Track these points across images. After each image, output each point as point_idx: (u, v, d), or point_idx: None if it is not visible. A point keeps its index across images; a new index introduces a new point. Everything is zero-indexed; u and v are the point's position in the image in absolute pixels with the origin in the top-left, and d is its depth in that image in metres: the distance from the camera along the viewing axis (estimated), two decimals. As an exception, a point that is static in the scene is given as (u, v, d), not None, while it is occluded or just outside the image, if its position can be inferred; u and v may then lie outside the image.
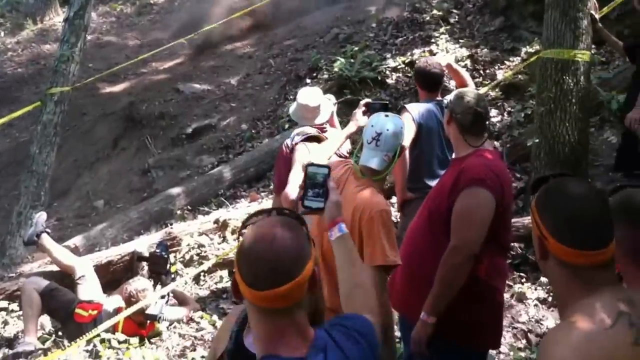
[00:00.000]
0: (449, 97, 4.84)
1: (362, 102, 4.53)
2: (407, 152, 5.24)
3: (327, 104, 5.50)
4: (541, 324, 5.48)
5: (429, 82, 5.59)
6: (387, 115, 3.79)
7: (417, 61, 7.99)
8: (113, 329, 5.93)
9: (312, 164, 2.72)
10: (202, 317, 6.35)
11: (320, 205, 2.66)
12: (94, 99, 13.62)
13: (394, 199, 6.49)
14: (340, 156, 4.90)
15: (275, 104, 11.45)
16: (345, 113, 7.84)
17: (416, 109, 5.43)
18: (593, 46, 7.37)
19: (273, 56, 13.41)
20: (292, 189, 4.56)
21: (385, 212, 3.52)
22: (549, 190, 2.23)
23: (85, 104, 13.25)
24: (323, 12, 14.59)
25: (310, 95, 5.42)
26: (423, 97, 5.66)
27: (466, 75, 5.92)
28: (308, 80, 11.19)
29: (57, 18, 17.65)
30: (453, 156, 4.25)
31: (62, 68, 9.27)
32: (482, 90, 8.38)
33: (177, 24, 16.11)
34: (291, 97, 10.98)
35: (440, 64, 5.59)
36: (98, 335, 5.69)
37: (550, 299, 5.66)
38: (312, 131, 5.31)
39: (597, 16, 6.75)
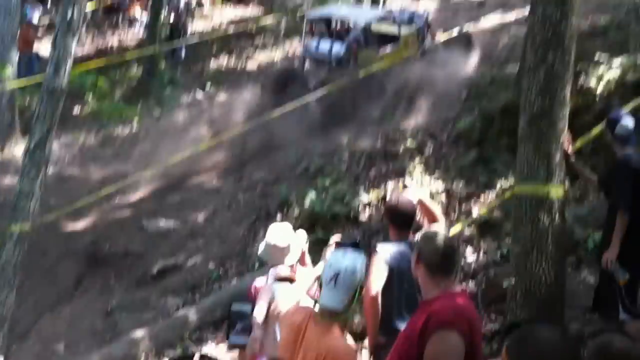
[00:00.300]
0: (416, 237, 5.05)
1: (332, 240, 4.68)
2: (379, 296, 5.31)
3: (298, 242, 5.69)
4: None
5: (400, 221, 5.69)
6: (345, 253, 3.98)
7: (388, 197, 8.20)
8: None
9: (235, 303, 2.90)
10: None
11: (244, 341, 2.83)
12: (56, 236, 13.62)
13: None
14: (312, 297, 5.06)
15: (244, 241, 11.61)
16: (316, 251, 8.02)
17: (388, 251, 5.53)
18: (567, 181, 7.72)
19: (242, 191, 13.69)
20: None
21: (349, 357, 3.65)
22: (520, 338, 2.35)
23: (46, 241, 13.22)
24: (294, 143, 15.00)
25: (279, 234, 5.60)
26: (394, 236, 5.73)
27: (438, 212, 6.06)
28: (278, 217, 11.43)
29: (17, 149, 17.86)
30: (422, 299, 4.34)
31: (21, 204, 9.34)
32: (457, 227, 8.64)
33: (142, 156, 16.44)
34: (261, 234, 11.18)
35: (412, 202, 5.71)
36: None
37: None
38: (285, 272, 5.48)
39: (570, 150, 7.08)
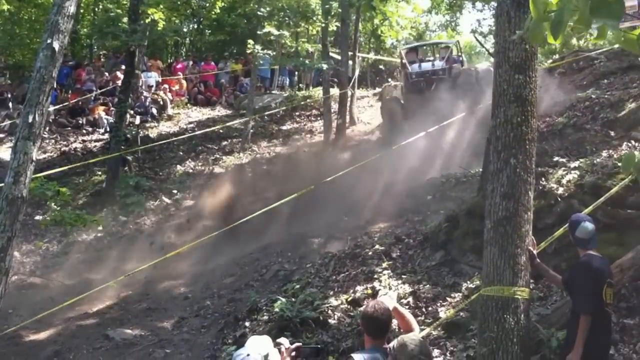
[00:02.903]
0: (391, 344, 5.30)
1: (293, 346, 4.88)
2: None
3: (276, 355, 5.90)
4: None
5: (376, 329, 5.80)
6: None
7: (363, 305, 8.35)
8: None
9: None
10: None
11: None
12: (17, 348, 13.41)
13: None
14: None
15: (212, 349, 11.62)
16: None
17: (363, 359, 5.64)
18: (531, 281, 8.04)
19: (210, 296, 13.84)
20: None
21: None
22: None
23: (6, 354, 13.06)
24: (264, 248, 15.28)
25: (258, 346, 5.81)
26: (369, 344, 5.84)
27: (411, 319, 6.21)
28: (247, 323, 11.57)
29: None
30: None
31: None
32: (425, 331, 8.89)
33: (107, 263, 16.58)
34: (229, 341, 11.32)
35: (387, 309, 5.83)
36: None
37: None
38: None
39: (535, 252, 7.45)
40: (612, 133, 12.87)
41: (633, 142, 12.10)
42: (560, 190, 10.61)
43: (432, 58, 25.11)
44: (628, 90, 15.14)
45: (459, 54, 25.47)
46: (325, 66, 24.09)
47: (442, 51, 25.00)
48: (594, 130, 13.19)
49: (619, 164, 10.54)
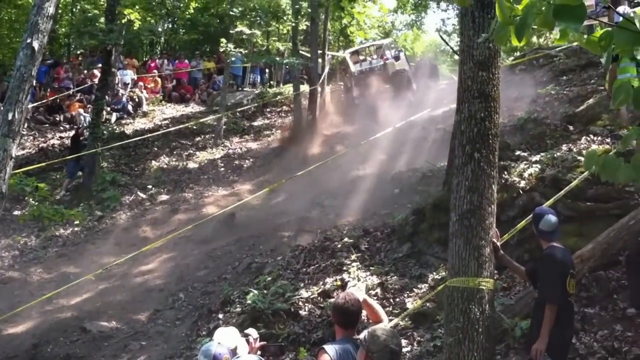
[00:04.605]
0: (362, 335, 5.20)
1: (258, 344, 4.77)
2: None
3: (244, 345, 5.78)
4: None
5: (347, 320, 5.71)
6: None
7: (334, 297, 8.30)
8: None
9: None
10: None
11: None
12: None
13: None
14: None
15: (187, 340, 11.54)
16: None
17: (334, 350, 5.54)
18: (495, 272, 7.99)
19: (184, 289, 13.69)
20: None
21: None
22: None
23: None
24: (238, 241, 15.15)
25: (226, 338, 5.69)
26: (340, 335, 5.76)
27: (380, 310, 6.11)
28: (220, 315, 11.47)
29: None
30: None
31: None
32: (393, 321, 8.80)
33: (84, 257, 16.38)
34: (203, 333, 11.21)
35: (358, 301, 5.74)
36: None
37: None
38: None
39: (498, 243, 7.37)
40: (571, 127, 12.89)
41: (592, 136, 12.11)
42: (522, 184, 10.59)
43: (370, 57, 28.83)
44: (586, 87, 15.21)
45: (397, 51, 29.68)
46: (296, 61, 24.03)
47: (378, 51, 28.98)
48: (554, 125, 13.19)
49: (579, 158, 10.55)
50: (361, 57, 28.82)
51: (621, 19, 3.37)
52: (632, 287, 8.32)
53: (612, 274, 8.85)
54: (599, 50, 3.36)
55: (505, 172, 10.88)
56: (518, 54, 21.69)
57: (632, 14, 3.27)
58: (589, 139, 12.02)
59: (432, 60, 37.82)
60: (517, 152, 11.83)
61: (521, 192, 10.48)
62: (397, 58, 28.36)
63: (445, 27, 44.67)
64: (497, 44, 4.15)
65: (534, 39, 25.37)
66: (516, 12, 3.29)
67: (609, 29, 3.29)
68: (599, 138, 11.96)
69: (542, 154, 11.47)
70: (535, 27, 3.30)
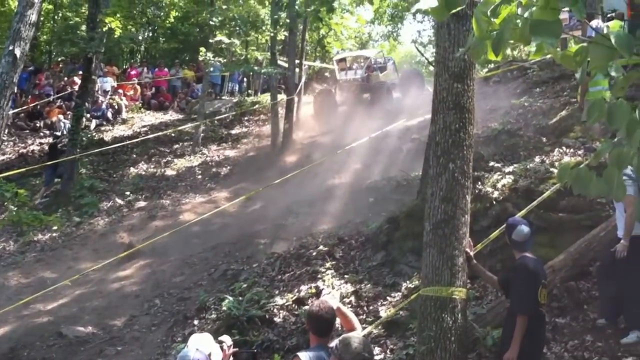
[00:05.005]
0: (334, 343, 5.14)
1: (230, 351, 4.70)
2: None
3: (218, 352, 5.70)
4: None
5: (321, 328, 5.68)
6: None
7: (308, 304, 8.24)
8: None
9: None
10: None
11: None
12: None
13: None
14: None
15: (162, 346, 11.42)
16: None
17: (308, 358, 5.49)
18: (468, 281, 7.96)
19: (160, 295, 13.56)
20: None
21: None
22: None
23: None
24: (213, 248, 15.05)
25: (201, 344, 5.61)
26: (314, 342, 5.71)
27: (354, 318, 6.06)
28: (196, 321, 11.38)
29: None
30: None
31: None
32: (366, 329, 8.75)
33: (62, 262, 16.20)
34: (179, 339, 11.10)
35: (332, 308, 5.70)
36: None
37: None
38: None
39: (472, 253, 7.36)
40: (544, 139, 12.94)
41: (564, 148, 12.15)
42: (496, 194, 10.59)
43: (356, 67, 28.69)
44: (559, 99, 15.30)
45: (386, 62, 29.72)
46: (274, 71, 23.99)
47: (365, 61, 28.45)
48: (527, 136, 13.25)
49: (552, 169, 10.58)
50: (348, 65, 28.93)
51: (594, 33, 3.35)
52: (602, 298, 8.33)
53: (583, 284, 8.86)
54: (573, 66, 3.33)
55: (479, 183, 10.89)
56: (492, 65, 21.78)
57: (605, 29, 3.25)
58: (561, 150, 12.07)
59: (418, 70, 37.80)
60: (491, 163, 11.85)
61: (494, 202, 10.49)
62: (382, 69, 28.38)
63: (421, 39, 44.93)
64: (474, 58, 4.11)
65: (508, 51, 25.53)
66: (493, 26, 3.24)
67: (585, 44, 3.26)
68: (572, 150, 12.01)
69: (515, 165, 11.51)
70: (512, 41, 3.26)
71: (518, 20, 3.17)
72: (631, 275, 7.81)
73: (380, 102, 25.57)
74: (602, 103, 3.26)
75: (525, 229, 6.86)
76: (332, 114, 26.35)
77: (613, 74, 3.28)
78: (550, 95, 16.29)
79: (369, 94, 26.75)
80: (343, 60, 29.60)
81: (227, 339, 5.86)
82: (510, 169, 11.32)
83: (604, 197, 9.40)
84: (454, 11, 3.29)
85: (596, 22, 14.74)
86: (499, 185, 10.77)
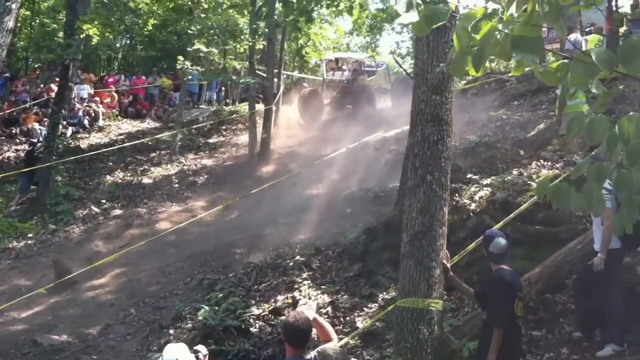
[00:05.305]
0: (312, 354, 5.11)
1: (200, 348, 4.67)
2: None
3: (192, 360, 5.67)
4: None
5: (297, 338, 5.64)
6: None
7: (284, 315, 8.22)
8: None
9: None
10: None
11: None
12: None
13: None
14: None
15: (138, 355, 11.34)
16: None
17: None
18: (445, 293, 7.97)
19: (135, 304, 13.44)
20: None
21: None
22: None
23: None
24: (190, 257, 14.98)
25: (176, 354, 5.57)
26: (290, 353, 5.68)
27: (330, 329, 6.08)
28: (171, 331, 11.31)
29: None
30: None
31: None
32: (343, 340, 8.72)
33: (37, 270, 16.06)
34: (154, 348, 11.02)
35: (308, 319, 5.68)
36: None
37: None
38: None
39: (448, 265, 7.38)
40: (522, 152, 13.02)
41: (542, 160, 12.23)
42: (473, 206, 10.64)
43: (345, 68, 29.51)
44: (537, 112, 15.39)
45: (377, 67, 30.39)
46: (252, 80, 23.95)
47: (354, 64, 29.30)
48: (504, 149, 13.32)
49: (529, 182, 10.63)
50: (337, 66, 29.77)
51: (572, 46, 3.38)
52: (578, 311, 8.38)
53: (560, 297, 8.91)
54: (554, 81, 3.35)
55: (457, 195, 10.92)
56: (470, 77, 21.91)
57: (583, 42, 3.28)
58: (539, 163, 12.15)
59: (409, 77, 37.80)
60: (469, 175, 11.90)
61: (472, 214, 10.53)
62: (370, 74, 28.96)
63: (399, 50, 45.05)
64: (454, 74, 4.15)
65: (487, 63, 25.77)
66: (474, 42, 3.25)
67: (565, 60, 3.27)
68: (549, 163, 12.08)
69: (492, 177, 11.57)
70: (493, 57, 3.27)
71: (499, 36, 3.18)
72: (608, 289, 7.86)
73: (360, 105, 26.10)
74: (581, 118, 3.28)
75: (502, 241, 6.87)
76: (318, 113, 27.27)
77: (594, 90, 3.30)
78: (528, 108, 16.42)
79: (351, 97, 27.22)
80: (332, 61, 30.57)
81: (202, 349, 5.84)
82: (487, 181, 11.36)
83: (582, 211, 9.47)
84: (435, 26, 3.29)
85: (575, 36, 14.88)
86: (476, 198, 10.82)
